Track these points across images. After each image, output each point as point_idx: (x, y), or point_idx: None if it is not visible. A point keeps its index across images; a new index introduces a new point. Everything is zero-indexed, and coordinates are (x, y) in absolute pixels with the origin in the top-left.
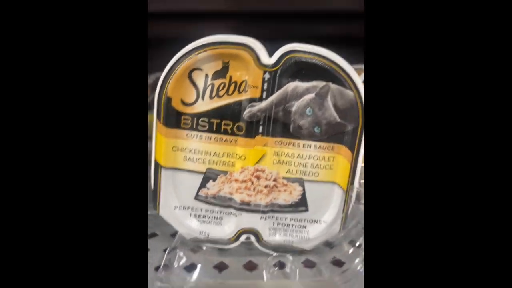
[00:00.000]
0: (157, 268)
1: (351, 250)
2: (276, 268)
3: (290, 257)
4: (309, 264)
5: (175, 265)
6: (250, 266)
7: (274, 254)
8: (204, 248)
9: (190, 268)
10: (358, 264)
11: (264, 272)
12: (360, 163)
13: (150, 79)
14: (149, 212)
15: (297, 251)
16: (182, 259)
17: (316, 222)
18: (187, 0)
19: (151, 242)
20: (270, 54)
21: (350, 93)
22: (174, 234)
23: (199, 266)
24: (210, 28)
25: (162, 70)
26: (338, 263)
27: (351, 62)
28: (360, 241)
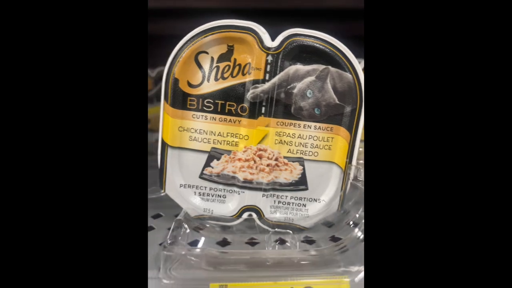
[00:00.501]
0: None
1: (349, 229)
2: (277, 243)
3: (291, 232)
4: (308, 240)
5: (180, 240)
6: (252, 243)
7: (275, 229)
8: (208, 225)
9: (194, 243)
10: (356, 236)
11: (266, 245)
12: (358, 144)
13: (153, 72)
14: (153, 195)
15: (297, 229)
16: (186, 236)
17: (316, 201)
18: None
19: (155, 222)
20: (273, 38)
21: (348, 76)
22: (177, 215)
23: (202, 239)
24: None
25: (164, 65)
26: (336, 240)
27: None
28: (358, 221)
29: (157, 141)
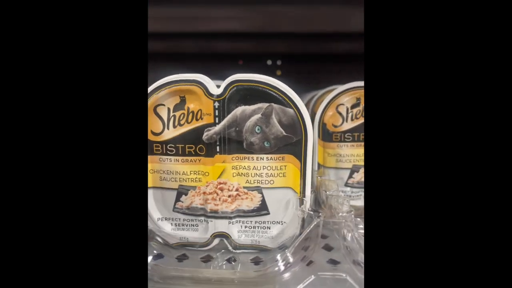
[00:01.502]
0: None
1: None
2: (224, 262)
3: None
4: (256, 262)
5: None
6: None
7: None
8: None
9: (157, 257)
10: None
11: (215, 264)
12: (310, 169)
13: None
14: None
15: (264, 250)
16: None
17: (278, 223)
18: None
19: None
20: (218, 85)
21: (290, 110)
22: None
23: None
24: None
25: None
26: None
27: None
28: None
29: None
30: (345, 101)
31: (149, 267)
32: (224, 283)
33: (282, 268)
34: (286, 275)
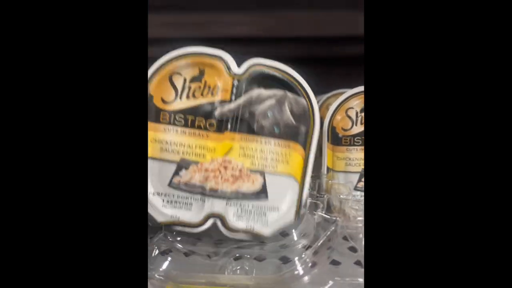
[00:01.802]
0: None
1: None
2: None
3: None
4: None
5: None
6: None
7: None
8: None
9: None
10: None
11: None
12: (312, 160)
13: None
14: None
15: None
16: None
17: (274, 210)
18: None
19: None
20: (239, 65)
21: (303, 100)
22: None
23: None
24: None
25: None
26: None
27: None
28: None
29: None
30: (354, 105)
31: (163, 273)
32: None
33: (301, 272)
34: (305, 278)
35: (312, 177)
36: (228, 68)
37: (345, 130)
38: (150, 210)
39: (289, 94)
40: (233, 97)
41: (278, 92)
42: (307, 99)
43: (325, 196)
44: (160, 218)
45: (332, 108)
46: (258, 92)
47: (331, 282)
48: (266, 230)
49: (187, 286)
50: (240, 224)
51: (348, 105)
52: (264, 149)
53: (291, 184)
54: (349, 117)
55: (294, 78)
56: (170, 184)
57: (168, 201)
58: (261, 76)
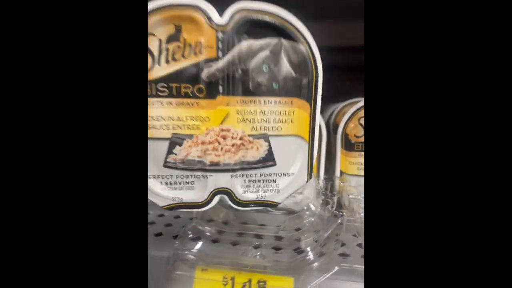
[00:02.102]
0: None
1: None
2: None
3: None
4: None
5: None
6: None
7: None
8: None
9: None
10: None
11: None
12: (319, 114)
13: None
14: None
15: (270, 205)
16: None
17: (285, 175)
18: None
19: None
20: (221, 13)
21: (302, 47)
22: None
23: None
24: None
25: None
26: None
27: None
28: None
29: None
30: None
31: (194, 253)
32: (257, 269)
33: (312, 257)
34: (315, 264)
35: (325, 179)
36: (209, 19)
37: (357, 137)
38: (149, 196)
39: (285, 42)
40: (220, 54)
41: (272, 41)
42: (306, 45)
43: (336, 195)
44: (161, 203)
45: (346, 116)
46: (248, 43)
47: (336, 268)
48: (278, 197)
49: (214, 266)
50: (250, 195)
51: (361, 114)
52: (265, 110)
53: (299, 145)
54: (361, 125)
55: (289, 22)
56: (166, 164)
57: (166, 183)
58: (250, 24)
